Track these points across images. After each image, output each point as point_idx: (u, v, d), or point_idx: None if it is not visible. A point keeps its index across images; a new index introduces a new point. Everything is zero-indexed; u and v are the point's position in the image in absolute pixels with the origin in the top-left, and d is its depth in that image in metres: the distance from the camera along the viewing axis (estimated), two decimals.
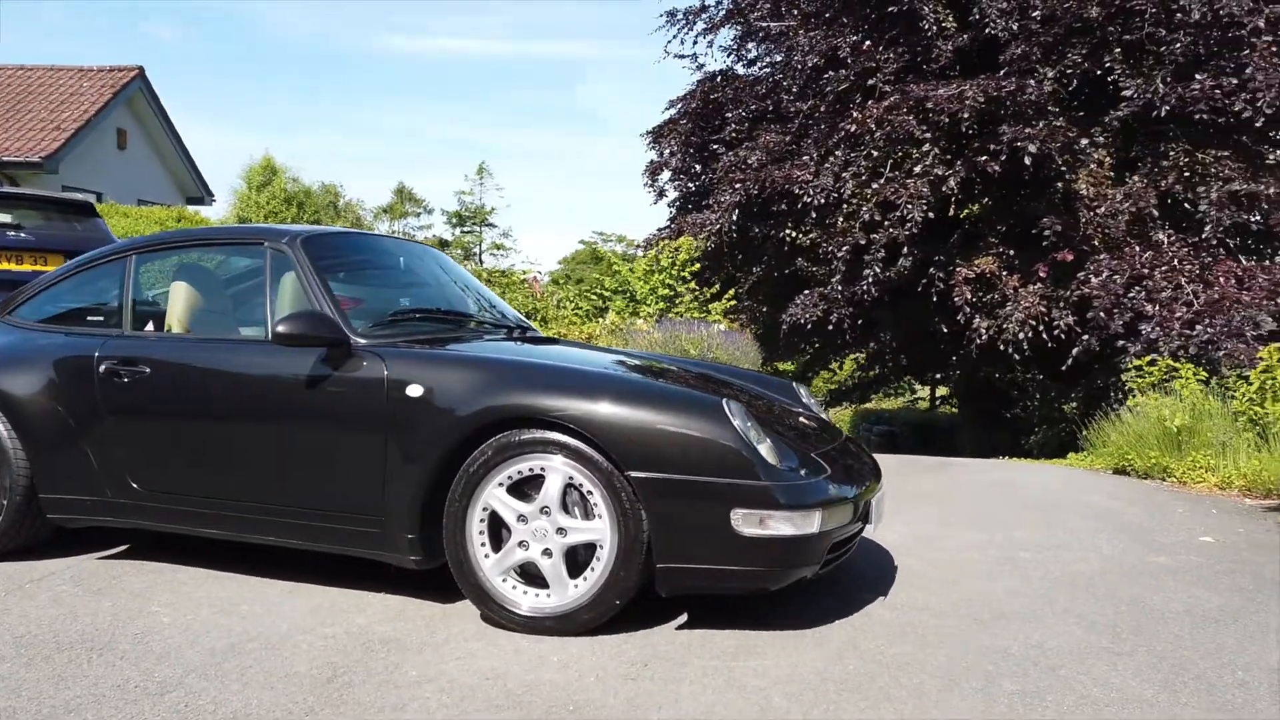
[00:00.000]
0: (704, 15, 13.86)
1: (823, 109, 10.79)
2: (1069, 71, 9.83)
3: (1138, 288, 9.28)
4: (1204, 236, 9.16)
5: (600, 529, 2.82)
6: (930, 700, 2.44)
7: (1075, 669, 2.67)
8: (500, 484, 2.91)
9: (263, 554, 3.55)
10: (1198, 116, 9.16)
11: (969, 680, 2.57)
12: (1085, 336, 9.51)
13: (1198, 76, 9.19)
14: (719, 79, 13.11)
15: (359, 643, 2.82)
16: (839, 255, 10.41)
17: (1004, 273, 10.25)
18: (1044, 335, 9.73)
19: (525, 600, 2.90)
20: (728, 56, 13.59)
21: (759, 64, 13.39)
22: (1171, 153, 9.66)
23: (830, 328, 11.16)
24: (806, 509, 2.75)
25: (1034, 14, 9.53)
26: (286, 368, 3.17)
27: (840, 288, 10.62)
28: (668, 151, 13.91)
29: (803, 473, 2.88)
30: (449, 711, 2.36)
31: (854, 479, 3.09)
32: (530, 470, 2.89)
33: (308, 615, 3.05)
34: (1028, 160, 9.48)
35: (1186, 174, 9.49)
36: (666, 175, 14.53)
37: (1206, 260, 9.34)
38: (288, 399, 3.17)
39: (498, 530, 2.95)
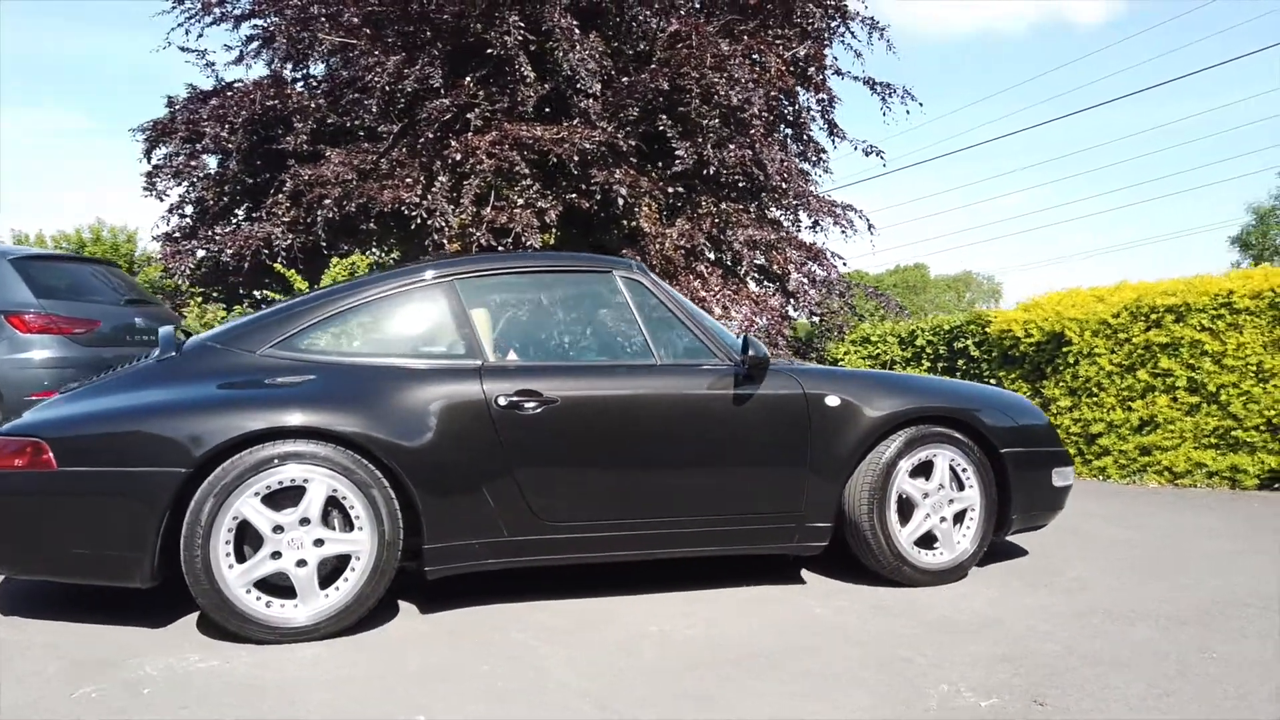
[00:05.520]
0: (221, 6, 13.00)
1: (430, 134, 11.19)
2: (628, 129, 11.85)
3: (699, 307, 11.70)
4: (742, 272, 11.93)
5: (973, 497, 3.71)
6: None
7: None
8: (907, 471, 3.61)
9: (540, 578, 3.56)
10: (733, 179, 11.87)
11: None
12: None
13: (730, 146, 11.90)
14: (272, 83, 12.40)
15: (846, 625, 3.32)
16: None
17: None
18: None
19: (927, 559, 3.65)
20: (284, 62, 12.81)
21: (315, 75, 13.00)
22: (705, 203, 12.29)
23: None
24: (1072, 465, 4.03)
25: (622, 80, 11.34)
26: (716, 388, 3.37)
27: None
28: (175, 154, 12.72)
29: None
30: (1076, 658, 3.16)
31: None
32: (926, 457, 3.64)
33: (754, 608, 3.36)
34: (620, 201, 11.24)
35: (718, 220, 12.18)
36: (170, 181, 13.17)
37: (735, 288, 12.14)
38: (721, 417, 3.37)
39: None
